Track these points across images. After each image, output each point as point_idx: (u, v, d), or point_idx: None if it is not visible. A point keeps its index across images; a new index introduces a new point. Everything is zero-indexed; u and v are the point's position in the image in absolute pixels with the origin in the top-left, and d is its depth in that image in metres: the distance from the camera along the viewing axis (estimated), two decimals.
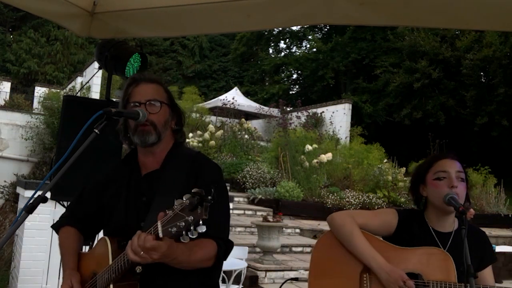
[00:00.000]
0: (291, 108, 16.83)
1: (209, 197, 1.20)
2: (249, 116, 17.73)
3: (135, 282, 1.48)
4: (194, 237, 1.21)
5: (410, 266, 1.77)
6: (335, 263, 1.89)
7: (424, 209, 1.92)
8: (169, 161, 1.64)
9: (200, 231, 1.20)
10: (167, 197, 1.50)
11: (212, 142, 12.59)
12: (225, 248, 1.56)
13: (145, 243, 1.27)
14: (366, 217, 1.91)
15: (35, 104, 14.94)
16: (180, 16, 2.53)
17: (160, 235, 1.24)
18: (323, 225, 8.56)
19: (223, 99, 17.35)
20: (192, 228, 1.19)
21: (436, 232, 1.84)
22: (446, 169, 1.79)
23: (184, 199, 1.20)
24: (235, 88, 21.08)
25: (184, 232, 1.20)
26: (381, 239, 1.90)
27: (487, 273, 1.84)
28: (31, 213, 1.38)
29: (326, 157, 10.79)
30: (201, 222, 1.19)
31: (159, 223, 1.25)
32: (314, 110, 15.48)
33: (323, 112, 15.05)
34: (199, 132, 13.45)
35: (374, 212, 1.98)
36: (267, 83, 28.88)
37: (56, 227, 1.78)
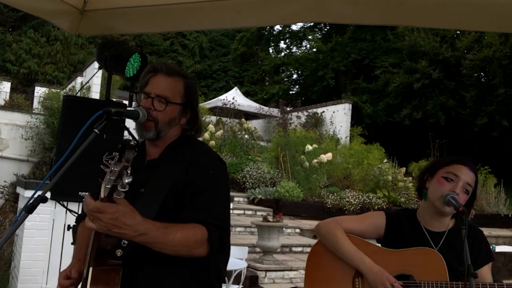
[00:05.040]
0: (291, 108, 16.82)
1: (131, 143, 1.16)
2: (249, 116, 17.72)
3: (117, 267, 1.41)
4: (124, 190, 1.16)
5: (401, 268, 1.77)
6: (328, 270, 1.90)
7: (418, 208, 1.93)
8: (169, 151, 1.60)
9: (126, 182, 1.15)
10: (158, 189, 1.49)
11: (212, 142, 12.59)
12: (219, 235, 1.46)
13: (88, 206, 1.25)
14: (352, 221, 1.92)
15: (35, 104, 14.94)
16: (170, 13, 2.54)
17: (102, 195, 1.21)
18: None
19: (223, 99, 17.36)
20: (122, 179, 1.15)
21: (429, 231, 1.84)
22: (458, 174, 1.77)
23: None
24: (235, 88, 21.08)
25: (117, 187, 1.16)
26: (373, 243, 1.90)
27: (484, 272, 1.82)
28: (31, 213, 1.38)
29: (326, 157, 10.79)
30: (128, 171, 1.14)
31: (102, 184, 1.22)
32: (314, 110, 15.47)
33: (323, 112, 15.03)
34: None
35: (361, 216, 1.99)
36: (267, 83, 28.89)
37: (77, 221, 1.78)
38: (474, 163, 1.84)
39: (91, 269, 1.40)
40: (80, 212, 1.85)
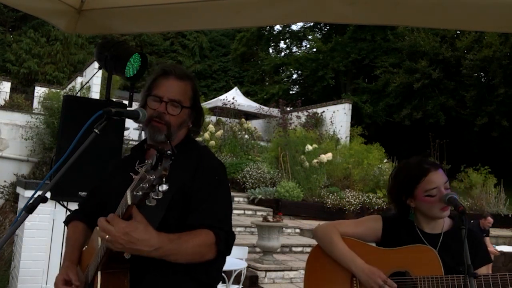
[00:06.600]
0: (291, 108, 16.82)
1: (168, 152, 1.17)
2: (249, 116, 17.72)
3: (124, 270, 1.42)
4: (159, 197, 1.18)
5: (396, 265, 1.79)
6: (327, 272, 1.92)
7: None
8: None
9: (161, 190, 1.16)
10: None
11: (212, 142, 12.59)
12: (226, 238, 1.50)
13: (101, 222, 1.29)
14: (349, 225, 1.95)
15: (35, 104, 14.94)
16: (168, 12, 2.53)
17: (129, 202, 1.21)
18: None
19: (223, 99, 17.36)
20: (156, 188, 1.16)
21: (425, 234, 1.85)
22: (436, 185, 1.79)
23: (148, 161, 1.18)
24: (235, 88, 21.07)
25: (149, 194, 1.17)
26: (371, 244, 1.92)
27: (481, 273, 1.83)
28: (31, 213, 1.38)
29: (326, 157, 10.79)
30: (164, 180, 1.15)
31: (128, 191, 1.22)
32: (314, 110, 15.47)
33: (323, 112, 15.03)
34: None
35: (358, 220, 2.01)
36: (267, 83, 28.90)
37: (66, 222, 1.78)
38: (433, 162, 1.88)
39: (99, 273, 1.41)
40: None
